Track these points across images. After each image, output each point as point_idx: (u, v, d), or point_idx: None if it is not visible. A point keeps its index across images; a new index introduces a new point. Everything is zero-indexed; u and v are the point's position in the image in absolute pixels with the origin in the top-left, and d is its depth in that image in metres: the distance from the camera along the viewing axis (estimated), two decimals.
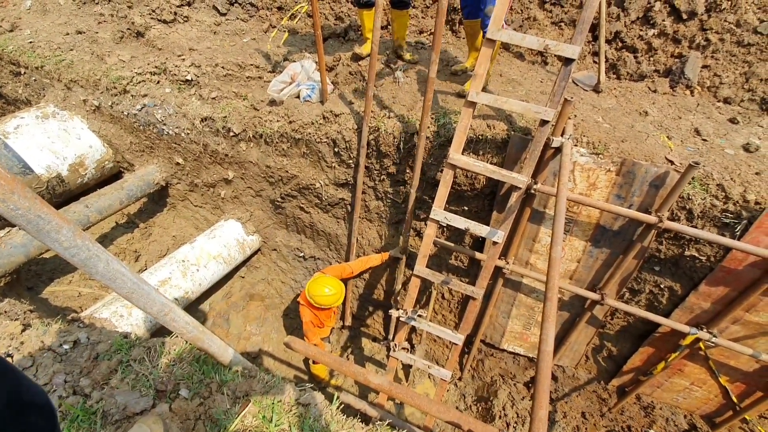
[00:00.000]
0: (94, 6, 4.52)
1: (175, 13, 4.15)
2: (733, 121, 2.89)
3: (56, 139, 3.52)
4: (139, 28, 3.95)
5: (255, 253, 4.08)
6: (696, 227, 2.39)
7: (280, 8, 4.38)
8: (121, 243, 4.01)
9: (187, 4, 4.33)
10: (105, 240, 3.96)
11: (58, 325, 1.81)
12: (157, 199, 4.20)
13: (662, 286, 2.79)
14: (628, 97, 3.14)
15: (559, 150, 2.41)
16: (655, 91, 3.23)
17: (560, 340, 3.39)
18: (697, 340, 2.69)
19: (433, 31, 4.03)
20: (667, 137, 2.67)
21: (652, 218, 2.34)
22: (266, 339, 4.02)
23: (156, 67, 3.65)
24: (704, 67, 3.33)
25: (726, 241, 2.27)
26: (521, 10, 3.86)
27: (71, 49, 3.92)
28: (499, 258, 3.01)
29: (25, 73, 4.03)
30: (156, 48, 3.91)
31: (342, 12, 4.26)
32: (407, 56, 3.53)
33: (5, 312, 2.19)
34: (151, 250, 3.99)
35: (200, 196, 3.99)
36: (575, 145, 2.53)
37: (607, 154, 2.48)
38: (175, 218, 4.18)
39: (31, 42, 4.06)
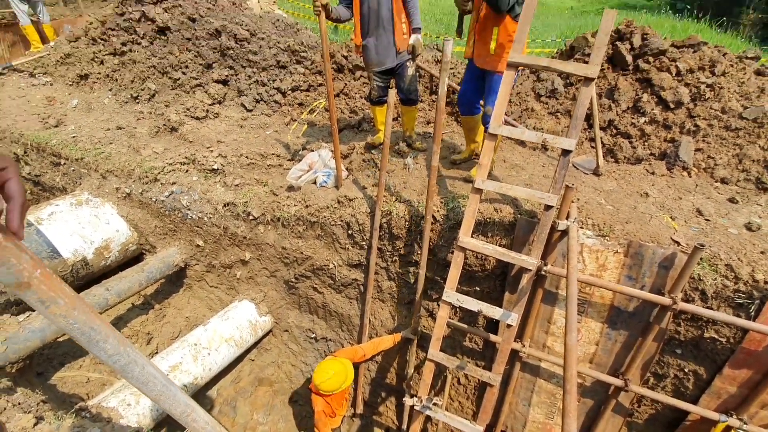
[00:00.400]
0: (135, 105, 5.06)
1: (207, 111, 4.62)
2: (732, 200, 2.99)
3: (86, 225, 3.74)
4: (174, 124, 4.38)
5: (266, 334, 4.04)
6: (711, 308, 2.37)
7: (300, 104, 4.86)
8: (135, 325, 4.03)
9: (218, 103, 4.84)
10: (120, 322, 3.99)
11: (71, 420, 1.80)
12: (175, 280, 4.30)
13: (686, 369, 2.68)
14: (627, 180, 3.30)
15: (565, 233, 2.50)
16: (653, 173, 3.39)
17: (587, 431, 3.16)
18: (728, 428, 2.51)
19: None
20: (671, 218, 2.76)
21: (665, 300, 2.33)
22: (273, 429, 3.82)
23: (186, 157, 3.98)
24: (698, 149, 3.53)
25: (741, 322, 2.24)
26: (519, 102, 4.22)
27: (111, 143, 4.32)
28: (514, 341, 2.95)
29: (64, 163, 4.40)
30: (187, 141, 4.29)
31: (356, 106, 4.70)
32: (416, 144, 3.82)
33: (18, 404, 2.18)
34: (163, 332, 3.99)
35: (216, 276, 4.08)
36: (581, 228, 2.62)
37: (612, 235, 2.55)
38: (190, 299, 4.23)
39: (74, 137, 4.49)
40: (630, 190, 3.15)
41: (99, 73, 5.42)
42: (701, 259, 2.34)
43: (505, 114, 4.11)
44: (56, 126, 4.72)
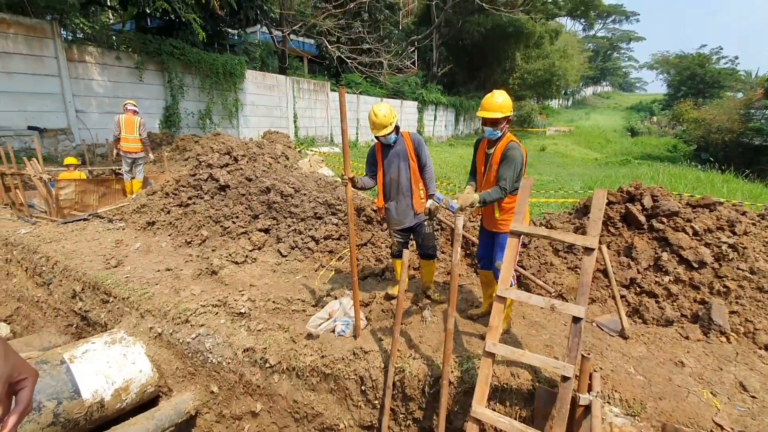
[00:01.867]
0: (188, 248, 5.68)
1: (247, 256, 5.08)
2: None
3: (114, 364, 3.87)
4: (215, 268, 4.81)
5: None
6: None
7: (331, 251, 5.25)
8: None
9: (258, 249, 5.34)
10: None
11: None
12: (183, 428, 4.12)
13: None
14: (659, 345, 3.10)
15: (589, 408, 2.30)
16: (687, 338, 3.18)
17: None
18: None
19: (459, 273, 4.55)
20: (711, 393, 2.48)
21: None
22: None
23: (218, 300, 4.24)
24: (733, 312, 3.34)
25: None
26: (537, 256, 4.34)
27: (156, 284, 4.74)
28: None
29: (112, 301, 4.80)
30: (223, 284, 4.63)
31: (381, 255, 5.01)
32: (435, 296, 3.90)
33: None
34: None
35: (225, 428, 3.88)
36: (607, 403, 2.40)
37: (644, 415, 2.30)
38: None
39: (127, 277, 4.99)
40: (663, 357, 2.93)
41: (164, 221, 6.27)
42: None
43: (524, 268, 4.22)
44: (116, 266, 5.29)
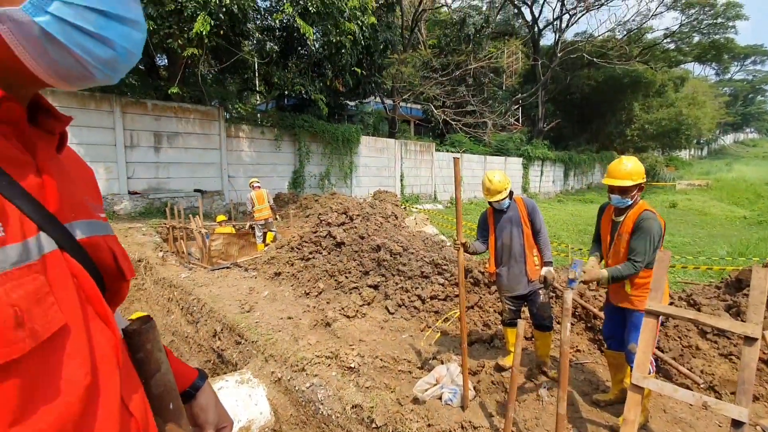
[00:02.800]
0: (306, 299, 6.24)
1: (357, 311, 5.38)
2: None
3: (241, 403, 4.32)
4: (329, 320, 5.18)
5: None
6: None
7: (436, 312, 5.26)
8: None
9: (367, 304, 5.63)
10: None
11: None
12: None
13: None
14: None
15: None
16: None
17: None
18: None
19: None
20: None
21: None
22: None
23: (331, 352, 4.52)
24: None
25: None
26: (679, 337, 3.76)
27: (279, 331, 5.26)
28: None
29: (243, 343, 5.44)
30: (336, 336, 4.94)
31: (489, 320, 4.85)
32: (552, 374, 3.60)
33: None
34: None
35: None
36: None
37: None
38: None
39: (257, 321, 5.64)
40: None
41: (288, 272, 7.04)
42: None
43: (661, 350, 3.67)
44: (248, 311, 6.05)
